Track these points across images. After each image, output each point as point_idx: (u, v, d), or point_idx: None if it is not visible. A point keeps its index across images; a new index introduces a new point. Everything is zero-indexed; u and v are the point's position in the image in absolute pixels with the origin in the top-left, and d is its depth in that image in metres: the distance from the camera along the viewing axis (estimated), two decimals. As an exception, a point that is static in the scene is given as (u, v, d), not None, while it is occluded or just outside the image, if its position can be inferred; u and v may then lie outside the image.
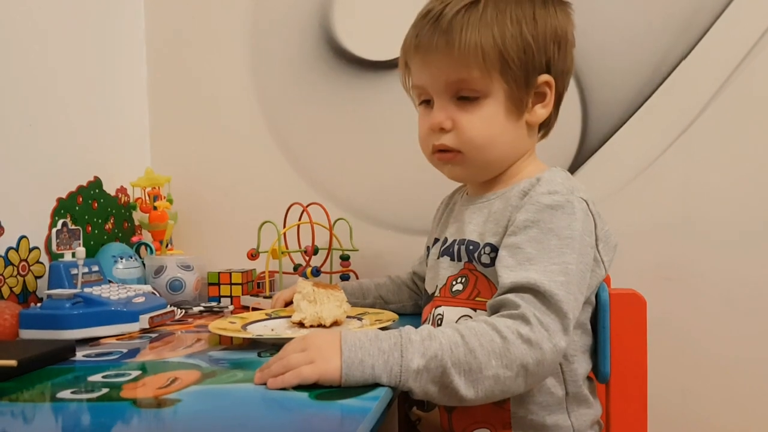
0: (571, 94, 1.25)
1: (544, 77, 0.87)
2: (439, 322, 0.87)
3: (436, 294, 0.91)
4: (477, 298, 0.85)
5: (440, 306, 0.89)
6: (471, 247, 0.87)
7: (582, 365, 0.86)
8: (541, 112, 0.89)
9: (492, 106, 0.86)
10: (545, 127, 0.94)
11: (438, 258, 0.93)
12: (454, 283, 0.88)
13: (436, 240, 0.98)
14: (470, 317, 0.84)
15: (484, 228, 0.87)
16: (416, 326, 0.94)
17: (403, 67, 0.94)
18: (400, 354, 0.68)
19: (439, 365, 0.69)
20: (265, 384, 0.68)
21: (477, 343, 0.70)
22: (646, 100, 1.23)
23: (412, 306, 1.10)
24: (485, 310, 0.80)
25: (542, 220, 0.79)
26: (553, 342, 0.72)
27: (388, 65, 1.33)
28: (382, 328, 0.86)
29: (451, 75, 0.85)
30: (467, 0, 0.84)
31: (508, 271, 0.77)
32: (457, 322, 0.84)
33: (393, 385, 0.68)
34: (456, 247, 0.90)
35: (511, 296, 0.74)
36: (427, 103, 0.91)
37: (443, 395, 0.70)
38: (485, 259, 0.85)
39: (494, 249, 0.84)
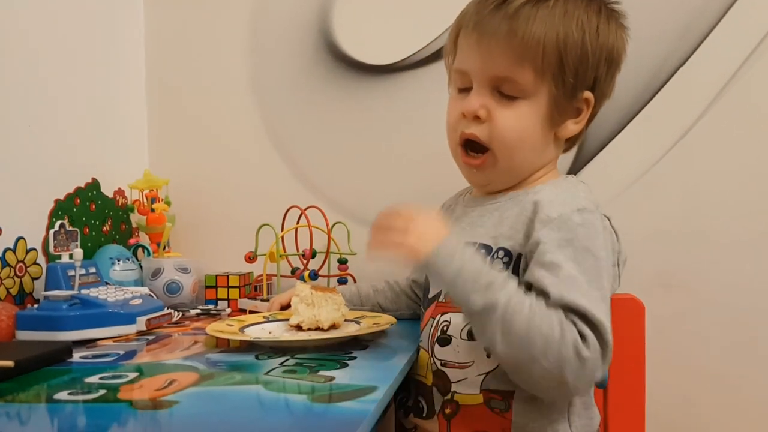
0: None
1: (587, 94, 0.86)
2: (445, 328, 0.86)
3: (440, 299, 0.90)
4: None
5: (447, 312, 0.87)
6: (482, 251, 0.85)
7: None
8: (572, 127, 0.88)
9: (531, 107, 0.84)
10: (571, 142, 0.93)
11: None
12: None
13: None
14: None
15: (497, 231, 0.86)
16: (415, 332, 0.94)
17: (452, 42, 0.91)
18: (479, 270, 0.75)
19: (493, 304, 0.72)
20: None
21: (538, 320, 0.71)
22: (644, 105, 1.23)
23: (410, 314, 1.10)
24: None
25: (576, 239, 0.77)
26: (595, 366, 0.71)
27: (388, 69, 1.33)
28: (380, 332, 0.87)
29: (501, 68, 0.83)
30: (537, 5, 0.83)
31: (553, 288, 0.74)
32: (465, 328, 0.83)
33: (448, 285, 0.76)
34: None
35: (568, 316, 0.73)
36: (463, 90, 0.89)
37: (482, 335, 0.76)
38: (497, 264, 0.83)
39: (508, 253, 0.83)
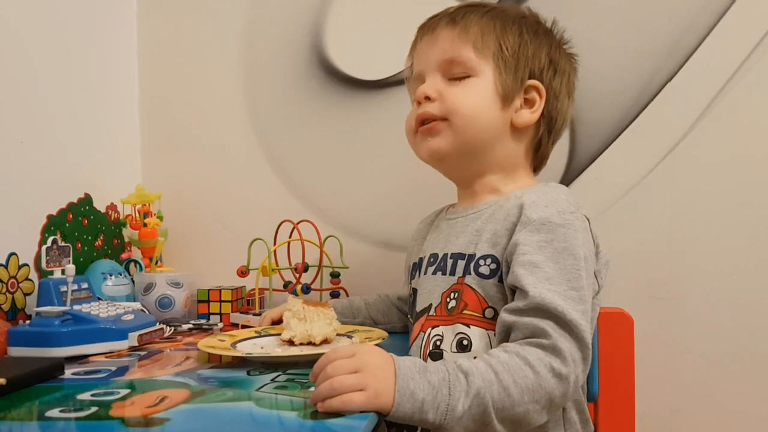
0: (560, 114, 1.27)
1: (534, 81, 0.91)
2: (438, 342, 0.86)
3: (430, 313, 0.90)
4: (465, 312, 0.85)
5: (438, 326, 0.88)
6: (466, 259, 0.86)
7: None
8: (528, 116, 0.91)
9: (479, 83, 0.90)
10: (540, 155, 0.96)
11: (429, 274, 0.93)
12: (448, 299, 0.88)
13: (421, 259, 0.97)
14: (466, 335, 0.84)
15: (478, 238, 0.87)
16: (407, 345, 0.94)
17: (409, 68, 1.00)
18: (448, 391, 0.67)
19: (481, 403, 0.68)
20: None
21: (511, 380, 0.69)
22: (633, 120, 1.24)
23: (402, 327, 1.10)
24: (477, 325, 0.81)
25: (555, 239, 0.79)
26: (576, 373, 0.72)
27: (379, 85, 1.35)
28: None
29: (445, 51, 0.91)
30: (476, 9, 0.93)
31: (532, 288, 0.76)
32: (454, 340, 0.84)
33: (437, 424, 0.67)
34: (450, 260, 0.89)
35: (540, 323, 0.73)
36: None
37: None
38: (484, 270, 0.84)
39: (495, 260, 0.84)
